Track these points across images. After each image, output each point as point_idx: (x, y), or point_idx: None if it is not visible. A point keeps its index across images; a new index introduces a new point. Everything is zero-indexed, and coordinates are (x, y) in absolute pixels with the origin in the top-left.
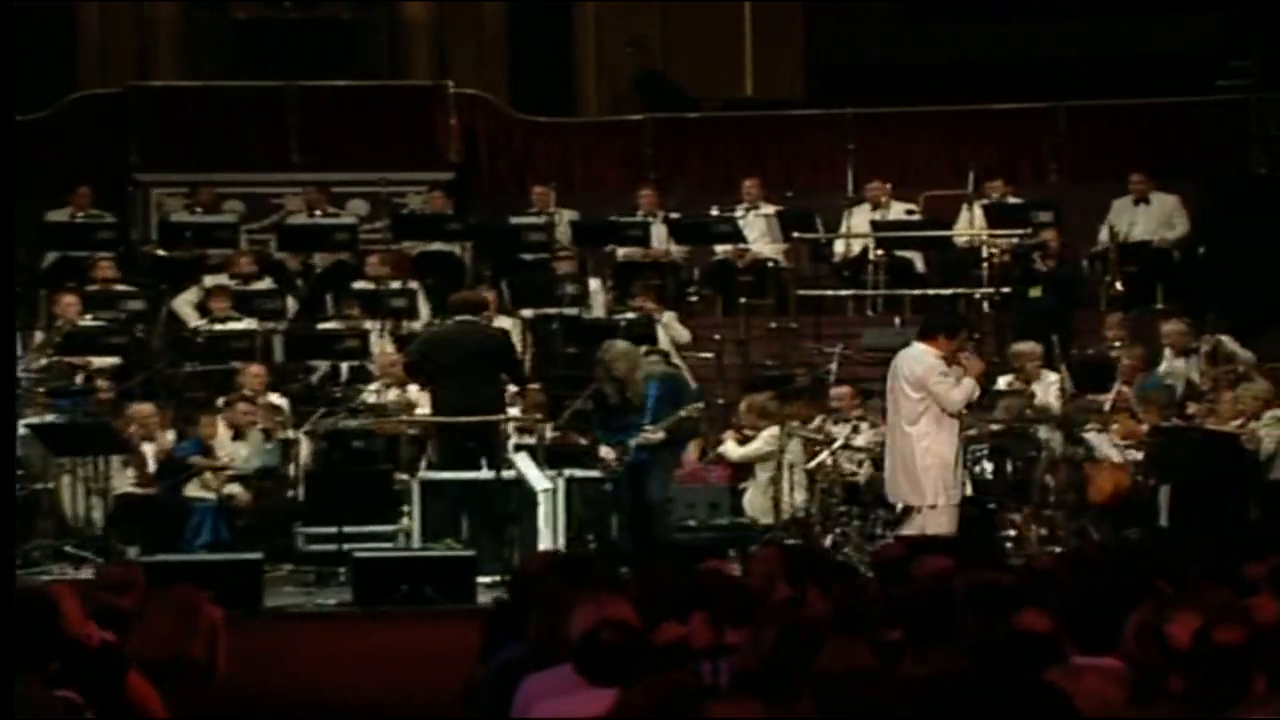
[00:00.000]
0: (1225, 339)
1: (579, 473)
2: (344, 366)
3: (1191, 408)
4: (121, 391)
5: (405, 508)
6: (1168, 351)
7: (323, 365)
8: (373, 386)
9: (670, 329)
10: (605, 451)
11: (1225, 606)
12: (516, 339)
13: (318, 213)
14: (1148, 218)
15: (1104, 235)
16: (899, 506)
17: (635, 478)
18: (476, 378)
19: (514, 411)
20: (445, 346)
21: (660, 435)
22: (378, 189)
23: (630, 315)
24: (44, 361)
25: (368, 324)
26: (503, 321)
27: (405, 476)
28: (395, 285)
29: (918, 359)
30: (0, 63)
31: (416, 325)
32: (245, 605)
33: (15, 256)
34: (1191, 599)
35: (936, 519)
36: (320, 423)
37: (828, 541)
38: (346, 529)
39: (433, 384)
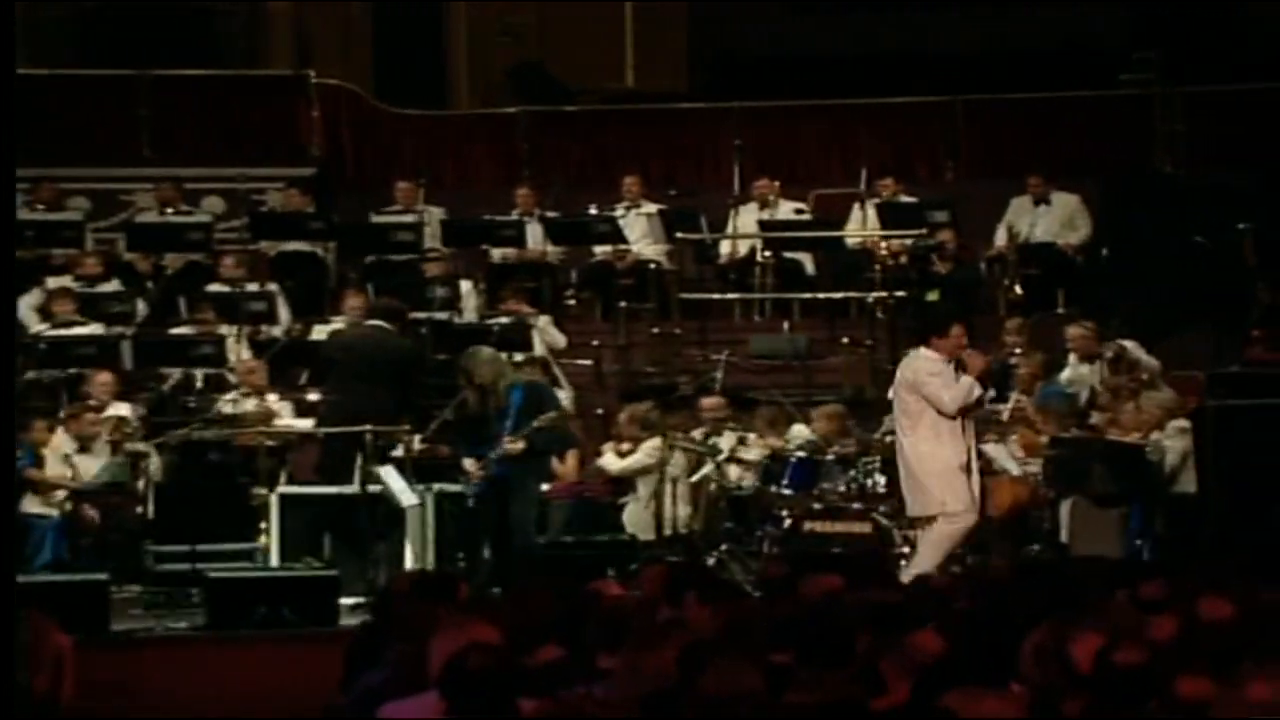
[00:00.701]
0: (1130, 345)
1: (448, 487)
2: (198, 374)
3: (1094, 418)
4: None
5: (263, 524)
6: (1072, 357)
7: (175, 373)
8: (229, 395)
9: (545, 334)
10: (467, 464)
11: (1127, 627)
12: None
13: (170, 210)
14: (1048, 218)
15: (1001, 236)
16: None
17: (497, 492)
18: (378, 387)
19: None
20: (353, 349)
21: (520, 446)
22: (234, 185)
23: (504, 320)
24: None
25: (223, 329)
26: None
27: (263, 491)
28: (253, 288)
29: (912, 362)
30: (2, 64)
31: (276, 330)
32: (91, 629)
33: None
34: (1092, 619)
35: (952, 526)
36: (172, 434)
37: (711, 559)
38: (200, 547)
39: (327, 387)
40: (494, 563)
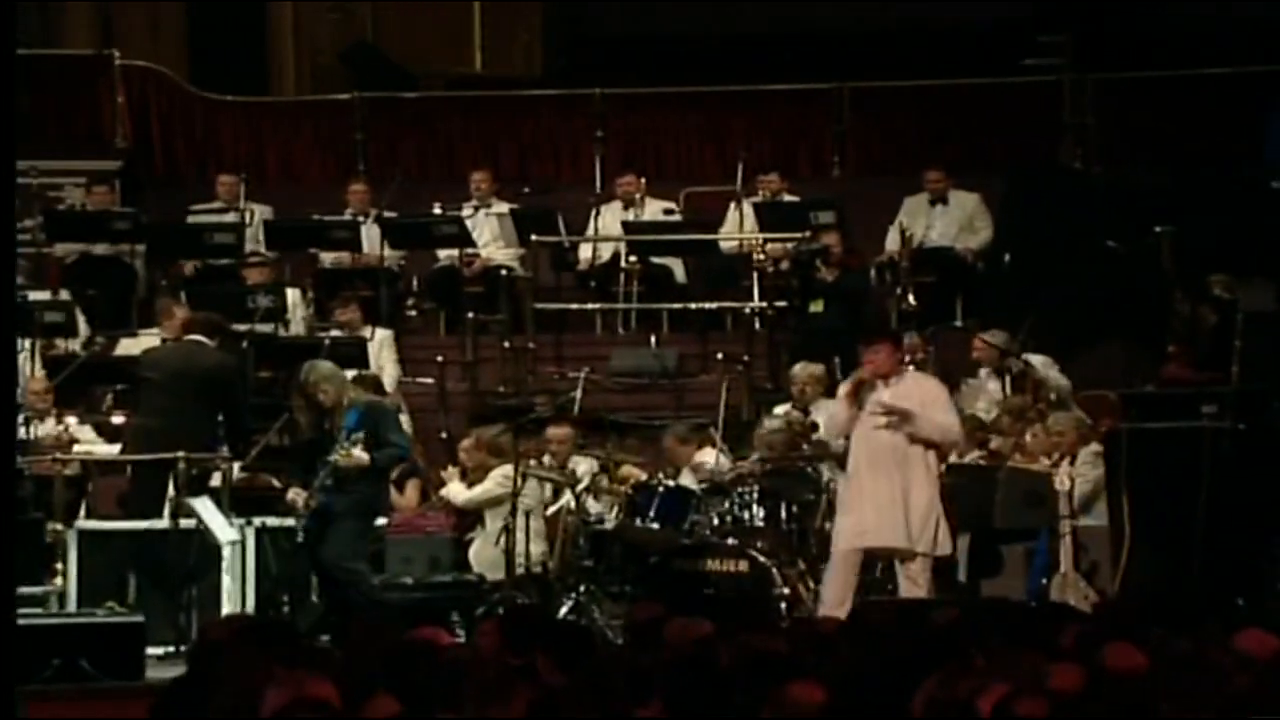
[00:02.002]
0: (1037, 361)
1: (272, 521)
2: None
3: (995, 442)
4: None
5: (58, 564)
6: (982, 371)
7: None
8: (19, 418)
9: (381, 354)
10: (292, 494)
11: (1027, 676)
12: None
13: None
14: (946, 220)
15: (893, 240)
16: None
17: (321, 527)
18: (193, 409)
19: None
20: (165, 367)
21: (361, 457)
22: (27, 180)
23: (336, 333)
24: None
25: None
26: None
27: (59, 526)
28: (40, 296)
29: None
30: (3, 65)
31: (75, 345)
32: None
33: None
34: (990, 667)
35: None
36: None
37: (569, 601)
38: None
39: (137, 409)
40: (323, 607)
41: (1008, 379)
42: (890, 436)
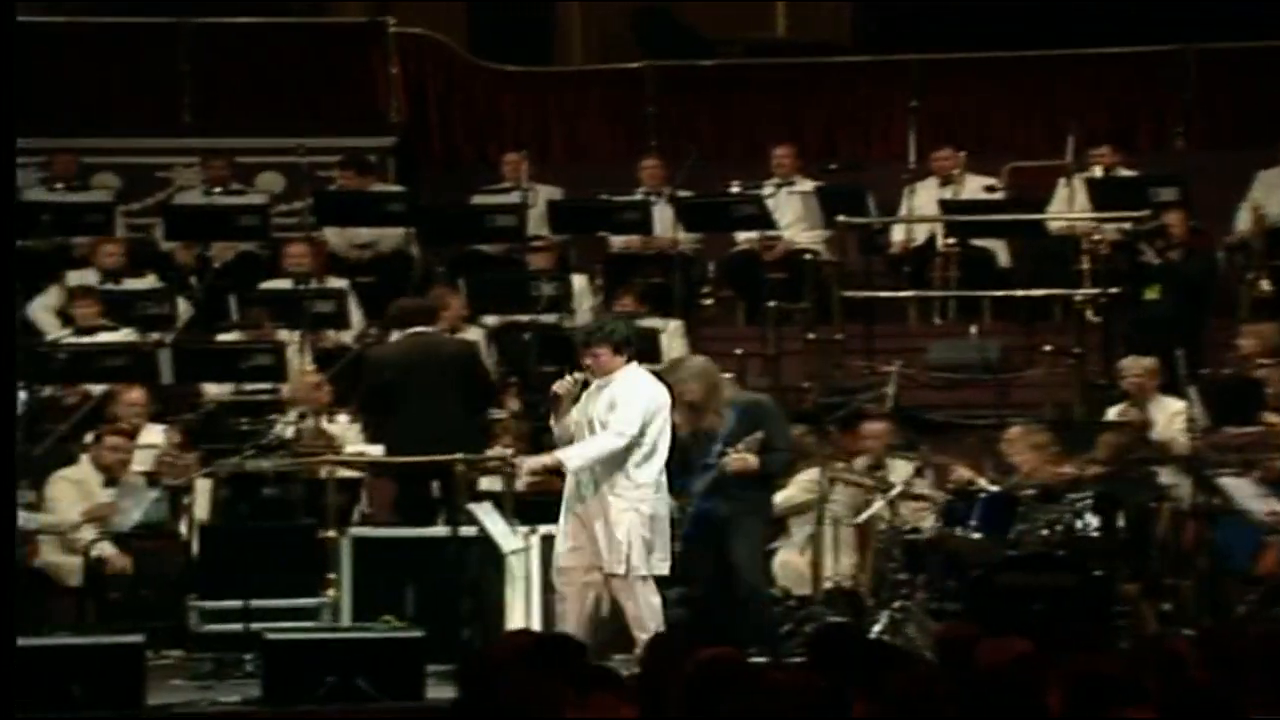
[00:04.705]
0: None
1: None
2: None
3: None
4: None
5: (332, 574)
6: None
7: (224, 389)
8: (288, 417)
9: (673, 347)
10: None
11: None
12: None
13: (217, 190)
14: None
15: (1244, 219)
16: None
17: (711, 531)
18: (444, 403)
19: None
20: (404, 366)
21: (750, 461)
22: (295, 159)
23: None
24: None
25: (283, 335)
26: (469, 333)
27: (333, 533)
28: (324, 284)
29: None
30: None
31: (346, 337)
32: (122, 703)
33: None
34: None
35: None
36: (221, 464)
37: (882, 619)
38: (254, 603)
39: (385, 414)
40: (721, 619)
41: None
42: None
